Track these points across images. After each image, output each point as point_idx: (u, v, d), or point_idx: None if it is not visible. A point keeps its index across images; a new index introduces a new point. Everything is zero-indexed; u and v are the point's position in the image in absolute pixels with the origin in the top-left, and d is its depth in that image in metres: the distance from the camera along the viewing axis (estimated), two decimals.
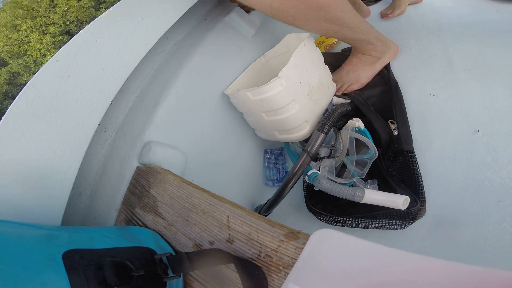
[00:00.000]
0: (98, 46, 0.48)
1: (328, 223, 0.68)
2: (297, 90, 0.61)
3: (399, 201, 0.54)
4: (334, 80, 0.75)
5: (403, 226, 0.60)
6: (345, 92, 0.75)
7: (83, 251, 0.31)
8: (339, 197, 0.57)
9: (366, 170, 0.64)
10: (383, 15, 0.96)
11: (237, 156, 0.77)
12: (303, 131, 0.64)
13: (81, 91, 0.46)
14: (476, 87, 0.68)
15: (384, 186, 0.64)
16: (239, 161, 0.78)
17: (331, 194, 0.58)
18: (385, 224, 0.62)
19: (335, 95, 0.75)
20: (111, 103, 0.51)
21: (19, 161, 0.41)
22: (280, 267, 0.33)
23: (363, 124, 0.64)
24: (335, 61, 0.80)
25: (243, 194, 0.78)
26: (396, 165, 0.65)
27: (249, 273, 0.33)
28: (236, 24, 0.80)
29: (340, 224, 0.67)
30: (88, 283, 0.28)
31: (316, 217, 0.70)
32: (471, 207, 0.59)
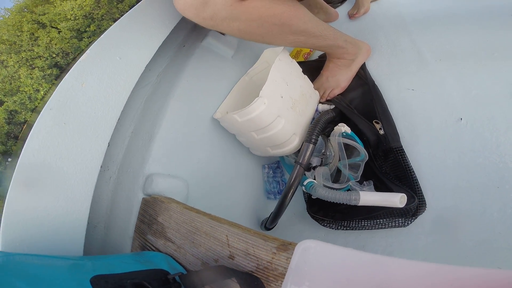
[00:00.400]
0: (85, 90, 0.50)
1: (333, 228, 0.70)
2: (280, 106, 0.64)
3: (396, 199, 0.55)
4: (316, 88, 0.77)
5: (406, 223, 0.62)
6: (328, 98, 0.77)
7: (106, 276, 0.35)
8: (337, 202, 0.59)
9: (360, 172, 0.66)
10: (350, 16, 0.99)
11: (237, 176, 0.79)
12: (293, 144, 0.67)
13: (79, 137, 0.49)
14: (450, 76, 0.69)
15: (380, 186, 0.66)
16: (239, 180, 0.80)
17: (329, 200, 0.60)
18: (388, 223, 0.63)
19: (319, 102, 0.77)
20: (108, 145, 0.54)
21: (37, 207, 0.44)
22: (277, 277, 0.36)
23: (349, 128, 0.66)
24: (314, 68, 0.82)
25: (247, 210, 0.80)
26: (388, 163, 0.67)
27: (250, 285, 0.37)
28: (214, 47, 0.82)
29: (344, 228, 0.68)
30: None
31: (320, 223, 0.72)
32: (471, 196, 0.59)
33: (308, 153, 0.62)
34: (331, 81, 0.78)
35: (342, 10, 1.06)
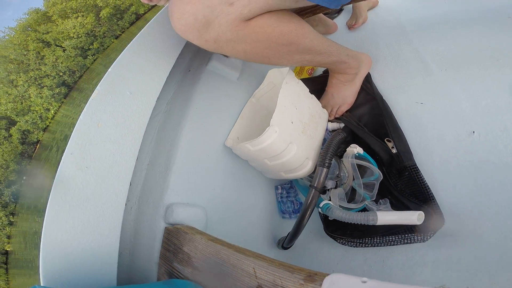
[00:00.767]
0: (101, 131, 0.52)
1: (351, 246, 0.70)
2: (291, 132, 0.64)
3: (413, 217, 0.55)
4: (323, 106, 0.77)
5: (425, 239, 0.61)
6: (337, 115, 0.77)
7: None
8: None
9: (375, 191, 0.66)
10: (349, 26, 0.98)
11: (251, 198, 0.80)
12: (306, 168, 0.67)
13: (102, 180, 0.51)
14: (457, 86, 0.68)
15: (397, 203, 0.66)
16: (254, 202, 0.81)
17: (346, 221, 0.61)
18: (406, 239, 0.63)
19: (328, 120, 0.77)
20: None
21: (71, 244, 0.47)
22: None
23: (361, 149, 0.66)
24: (319, 84, 0.82)
25: (263, 230, 0.81)
26: (403, 180, 0.66)
27: None
28: (219, 70, 0.83)
29: (363, 246, 0.68)
30: None
31: (337, 241, 0.72)
32: (490, 209, 0.59)
33: (322, 177, 0.63)
34: (336, 97, 0.77)
35: (340, 21, 1.05)
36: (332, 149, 0.64)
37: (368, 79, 0.78)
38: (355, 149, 0.65)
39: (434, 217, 0.59)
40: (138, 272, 0.61)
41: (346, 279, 0.34)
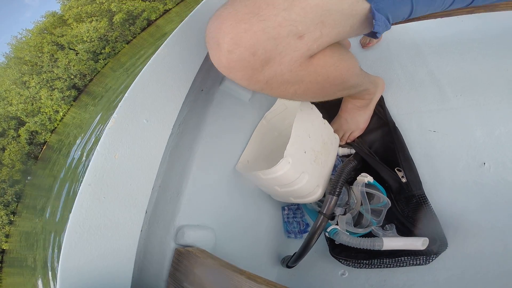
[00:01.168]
0: (118, 162, 0.52)
1: (355, 267, 0.70)
2: (304, 161, 0.64)
3: (418, 243, 0.58)
4: (335, 129, 0.77)
5: (427, 262, 0.62)
6: (348, 141, 0.78)
7: None
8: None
9: (383, 217, 0.66)
10: (363, 45, 0.96)
11: (258, 218, 0.81)
12: (316, 195, 0.68)
13: (119, 209, 0.52)
14: (472, 113, 0.69)
15: (403, 228, 0.67)
16: (261, 222, 0.82)
17: (352, 246, 0.61)
18: (410, 261, 0.63)
19: (339, 145, 0.78)
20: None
21: (88, 268, 0.48)
22: None
23: (371, 178, 0.67)
24: (331, 105, 0.80)
25: (268, 249, 0.82)
26: (410, 207, 0.67)
27: None
28: (232, 91, 0.83)
29: (366, 266, 0.69)
30: None
31: (341, 263, 0.72)
32: (493, 236, 0.59)
33: (332, 204, 0.63)
34: (350, 123, 0.77)
35: (353, 38, 1.03)
36: (343, 178, 0.65)
37: (381, 103, 0.78)
38: (365, 178, 0.66)
39: (438, 242, 0.60)
40: (145, 286, 0.62)
41: None
